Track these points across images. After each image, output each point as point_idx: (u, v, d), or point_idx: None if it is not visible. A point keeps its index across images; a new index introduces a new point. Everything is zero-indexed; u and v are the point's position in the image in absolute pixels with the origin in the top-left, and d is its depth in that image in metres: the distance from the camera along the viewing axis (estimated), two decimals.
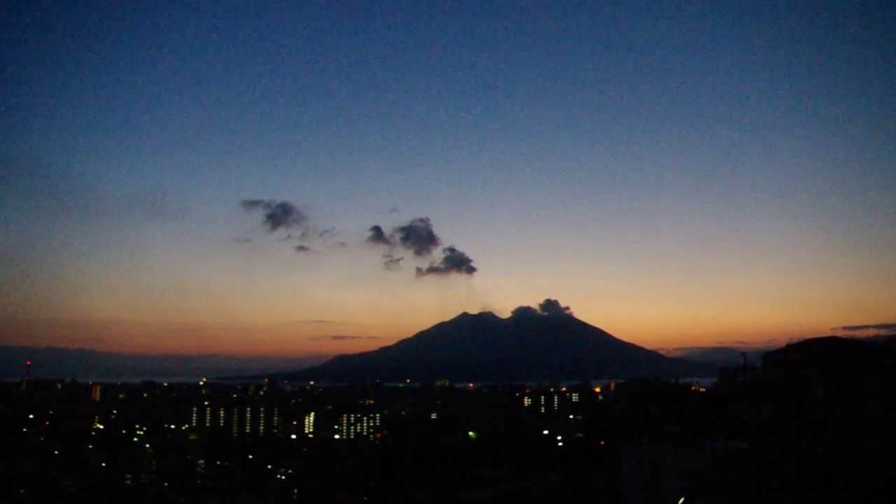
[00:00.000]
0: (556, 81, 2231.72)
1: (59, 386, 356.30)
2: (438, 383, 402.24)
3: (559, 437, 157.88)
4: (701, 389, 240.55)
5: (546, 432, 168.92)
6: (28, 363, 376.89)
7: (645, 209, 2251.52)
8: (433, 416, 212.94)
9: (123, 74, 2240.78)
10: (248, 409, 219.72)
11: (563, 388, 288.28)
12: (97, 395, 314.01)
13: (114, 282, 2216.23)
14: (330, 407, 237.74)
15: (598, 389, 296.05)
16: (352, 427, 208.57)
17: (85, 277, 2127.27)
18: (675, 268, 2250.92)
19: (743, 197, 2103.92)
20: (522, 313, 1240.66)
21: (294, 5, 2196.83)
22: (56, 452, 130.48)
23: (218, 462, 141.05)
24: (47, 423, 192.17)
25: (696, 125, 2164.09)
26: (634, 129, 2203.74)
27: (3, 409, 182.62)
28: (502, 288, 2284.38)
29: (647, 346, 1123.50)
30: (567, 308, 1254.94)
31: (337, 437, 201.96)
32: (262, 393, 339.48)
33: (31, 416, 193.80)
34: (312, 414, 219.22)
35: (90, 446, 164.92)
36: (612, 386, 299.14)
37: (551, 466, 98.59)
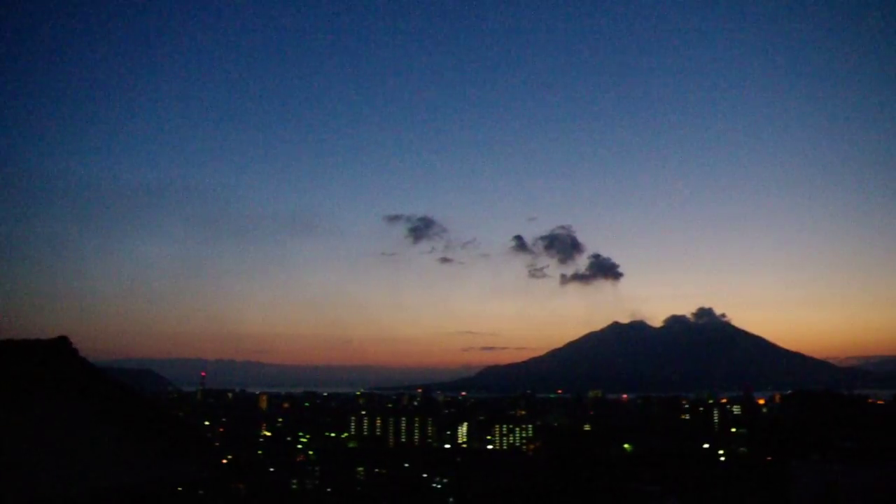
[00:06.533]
0: (686, 80, 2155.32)
1: (229, 395, 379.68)
2: (591, 394, 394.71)
3: (721, 452, 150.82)
4: (879, 402, 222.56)
5: (706, 446, 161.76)
6: (203, 374, 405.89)
7: (809, 205, 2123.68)
8: (586, 427, 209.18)
9: (270, 104, 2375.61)
10: (403, 418, 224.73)
11: (724, 400, 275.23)
12: (264, 403, 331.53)
13: (273, 297, 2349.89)
14: (482, 417, 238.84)
15: (761, 402, 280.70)
16: (504, 438, 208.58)
17: (248, 294, 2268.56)
18: (846, 269, 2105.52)
19: None
20: (675, 322, 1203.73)
21: (454, 23, 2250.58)
22: (230, 456, 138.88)
23: (376, 469, 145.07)
24: (221, 429, 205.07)
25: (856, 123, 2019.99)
26: (794, 126, 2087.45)
27: (184, 416, 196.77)
28: (652, 295, 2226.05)
29: (816, 355, 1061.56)
30: (723, 315, 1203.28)
31: (490, 447, 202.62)
32: (415, 403, 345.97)
33: (206, 423, 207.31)
34: (465, 424, 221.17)
35: (259, 452, 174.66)
36: (778, 398, 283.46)
37: (714, 482, 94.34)
